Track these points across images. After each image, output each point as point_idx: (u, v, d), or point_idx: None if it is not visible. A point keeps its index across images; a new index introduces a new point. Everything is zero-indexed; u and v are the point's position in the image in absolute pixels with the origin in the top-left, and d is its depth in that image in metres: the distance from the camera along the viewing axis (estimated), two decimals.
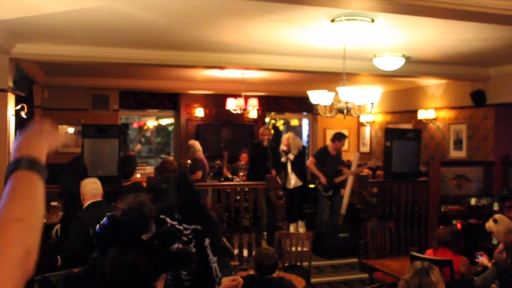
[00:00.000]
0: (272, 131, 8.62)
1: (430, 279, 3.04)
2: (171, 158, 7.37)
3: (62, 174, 6.18)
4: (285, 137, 8.37)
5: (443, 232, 4.87)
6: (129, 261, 1.66)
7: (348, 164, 8.45)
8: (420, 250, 6.76)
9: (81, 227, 4.38)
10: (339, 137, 7.96)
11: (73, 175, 5.84)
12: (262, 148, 7.93)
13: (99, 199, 4.77)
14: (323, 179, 7.73)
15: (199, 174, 7.70)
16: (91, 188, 4.76)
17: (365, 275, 6.68)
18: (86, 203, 4.72)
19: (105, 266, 1.70)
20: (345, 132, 11.97)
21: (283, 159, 8.16)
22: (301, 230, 8.12)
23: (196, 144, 8.02)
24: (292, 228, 8.17)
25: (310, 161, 8.00)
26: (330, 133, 12.37)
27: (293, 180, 8.13)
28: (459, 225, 5.28)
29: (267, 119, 12.87)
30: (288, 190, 7.88)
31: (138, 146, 8.01)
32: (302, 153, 8.27)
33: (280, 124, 14.39)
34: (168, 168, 5.83)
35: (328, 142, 8.19)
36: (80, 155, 6.78)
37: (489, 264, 4.75)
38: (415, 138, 8.29)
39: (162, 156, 12.93)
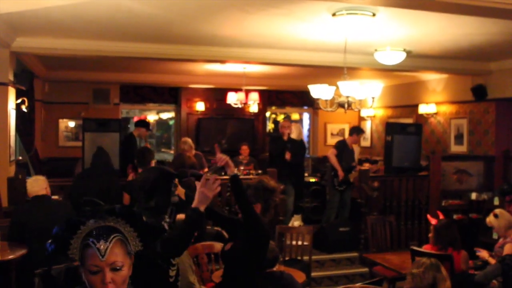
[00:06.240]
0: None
1: (442, 275, 3.13)
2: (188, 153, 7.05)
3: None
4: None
5: (444, 232, 4.76)
6: None
7: None
8: (420, 245, 6.78)
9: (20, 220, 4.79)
10: (357, 131, 7.96)
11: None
12: (281, 142, 7.78)
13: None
14: (340, 173, 7.57)
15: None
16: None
17: (366, 269, 6.69)
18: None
19: None
20: (346, 126, 12.06)
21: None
22: (296, 223, 8.07)
23: (190, 141, 7.66)
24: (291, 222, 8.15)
25: (331, 152, 7.78)
26: (330, 127, 12.44)
27: None
28: (440, 215, 5.24)
29: (267, 113, 12.86)
30: None
31: (148, 145, 7.98)
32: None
33: (280, 118, 14.37)
34: (186, 163, 5.68)
35: (346, 136, 8.13)
36: (99, 151, 6.05)
37: (490, 259, 4.76)
38: (416, 132, 8.29)
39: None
